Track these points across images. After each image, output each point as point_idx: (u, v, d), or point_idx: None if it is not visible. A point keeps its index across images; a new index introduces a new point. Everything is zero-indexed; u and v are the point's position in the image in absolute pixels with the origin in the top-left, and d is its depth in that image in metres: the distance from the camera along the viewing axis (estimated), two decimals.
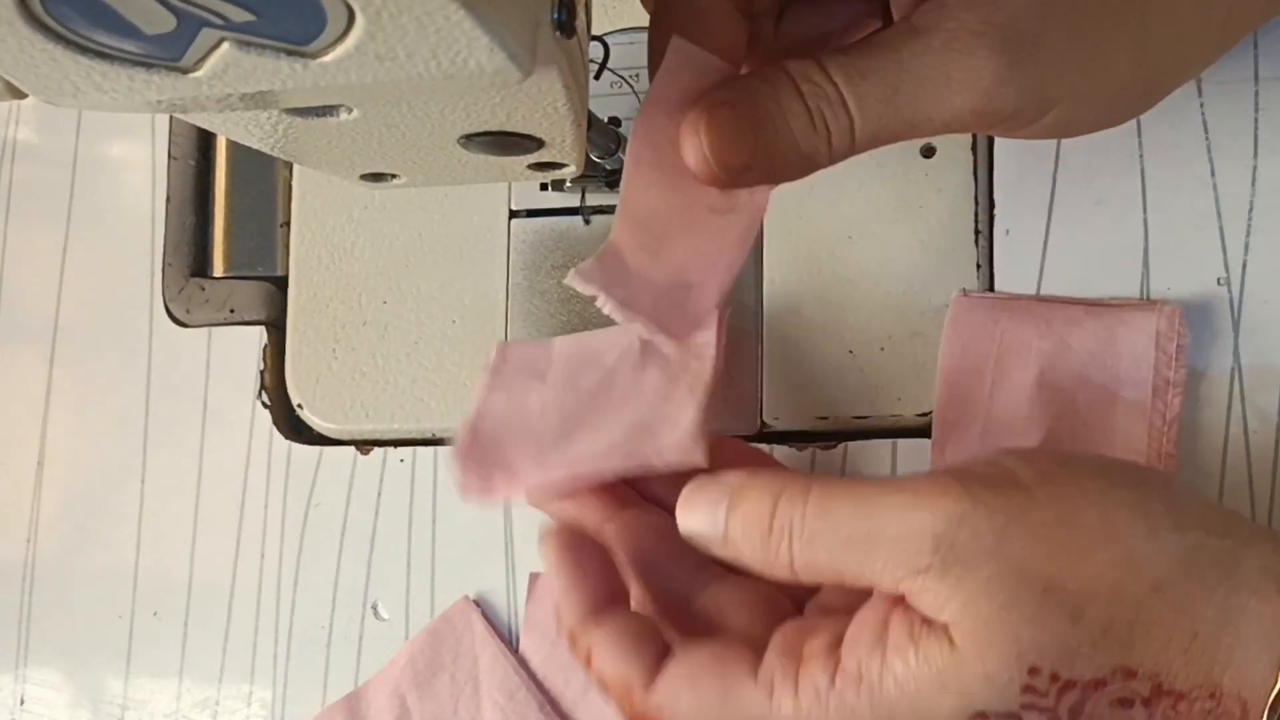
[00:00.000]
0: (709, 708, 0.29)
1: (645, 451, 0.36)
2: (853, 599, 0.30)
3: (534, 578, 0.45)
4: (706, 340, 0.39)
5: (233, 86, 0.23)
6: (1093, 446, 0.39)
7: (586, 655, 0.31)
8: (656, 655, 0.30)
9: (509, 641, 0.45)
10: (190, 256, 0.52)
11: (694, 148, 0.31)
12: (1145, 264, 0.42)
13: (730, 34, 0.32)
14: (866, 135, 0.30)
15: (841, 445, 0.44)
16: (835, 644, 0.29)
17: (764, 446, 0.45)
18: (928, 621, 0.27)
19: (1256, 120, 0.42)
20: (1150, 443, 0.40)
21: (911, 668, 0.27)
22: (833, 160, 0.31)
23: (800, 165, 0.31)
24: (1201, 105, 0.42)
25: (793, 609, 0.33)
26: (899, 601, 0.28)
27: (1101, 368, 0.40)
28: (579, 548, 0.32)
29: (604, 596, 0.31)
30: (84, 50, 0.21)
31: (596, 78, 0.40)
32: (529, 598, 0.45)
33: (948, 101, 0.29)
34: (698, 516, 0.31)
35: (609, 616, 0.31)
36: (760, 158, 0.30)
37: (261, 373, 0.50)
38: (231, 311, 0.51)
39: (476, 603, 0.46)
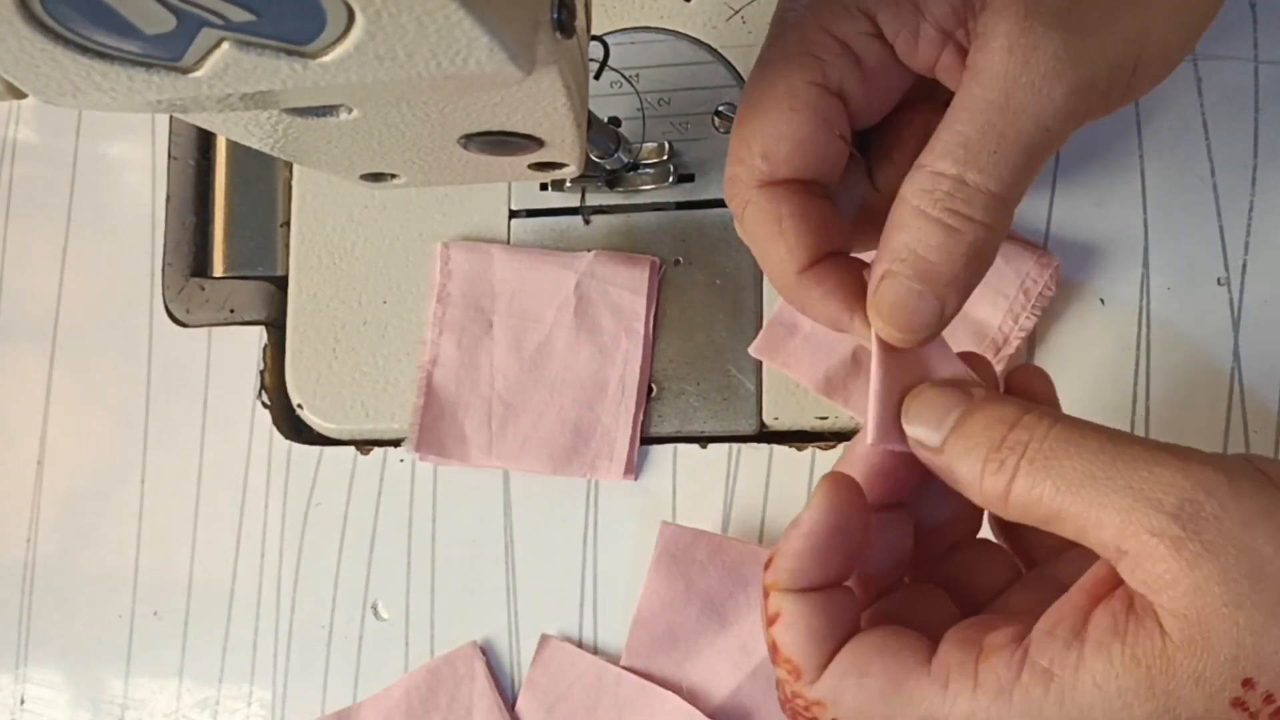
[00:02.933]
0: (876, 701, 0.27)
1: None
2: (1045, 601, 0.28)
3: (544, 640, 0.45)
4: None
5: (233, 86, 0.23)
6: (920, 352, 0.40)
7: (774, 615, 0.28)
8: (839, 645, 0.28)
9: (506, 691, 0.45)
10: (190, 256, 0.52)
11: (885, 333, 0.30)
12: (1145, 264, 0.42)
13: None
14: (1004, 187, 0.29)
15: (841, 445, 0.44)
16: (1021, 636, 0.26)
17: (764, 446, 0.45)
18: (1135, 612, 0.25)
19: (1256, 121, 0.42)
20: (974, 366, 0.41)
21: (1115, 666, 0.25)
22: (1002, 228, 0.29)
23: (977, 262, 0.29)
24: (1201, 105, 0.42)
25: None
26: (1102, 594, 0.26)
27: None
28: (848, 514, 0.29)
29: (832, 573, 0.29)
30: (84, 50, 0.21)
31: (596, 78, 0.40)
32: (536, 658, 0.45)
33: (1049, 99, 0.28)
34: (924, 416, 0.29)
35: (814, 594, 0.28)
36: (943, 295, 0.29)
37: (261, 373, 0.50)
38: (231, 311, 0.51)
39: (483, 649, 0.46)
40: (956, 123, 0.29)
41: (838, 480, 0.29)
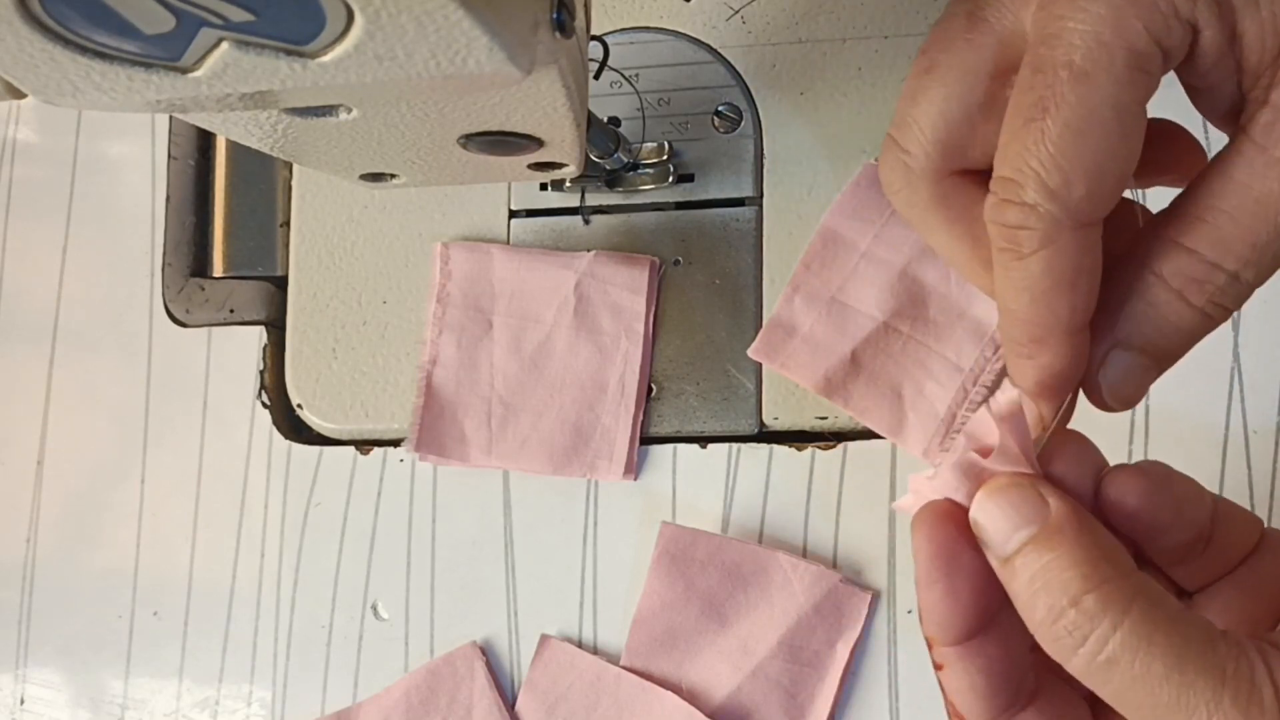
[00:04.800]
0: None
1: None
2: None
3: (544, 640, 0.45)
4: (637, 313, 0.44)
5: (232, 86, 0.23)
6: (922, 348, 0.38)
7: (939, 664, 0.27)
8: (1014, 702, 0.27)
9: (506, 691, 0.45)
10: (190, 256, 0.52)
11: (1098, 402, 0.28)
12: None
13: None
14: (1263, 283, 0.27)
15: (841, 445, 0.44)
16: None
17: (763, 446, 0.45)
18: None
19: None
20: (975, 365, 0.42)
21: None
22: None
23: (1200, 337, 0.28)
24: None
25: None
26: None
27: (962, 281, 0.42)
28: (957, 553, 0.27)
29: (977, 618, 0.27)
30: (83, 50, 0.21)
31: (596, 78, 0.40)
32: (536, 658, 0.45)
33: None
34: (993, 518, 0.26)
35: (977, 646, 0.27)
36: (1161, 373, 0.28)
37: (261, 373, 0.50)
38: (231, 311, 0.51)
39: (483, 649, 0.46)
40: (1241, 214, 0.26)
41: (924, 517, 0.27)
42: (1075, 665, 0.25)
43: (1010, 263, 0.27)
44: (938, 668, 0.27)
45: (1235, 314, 0.41)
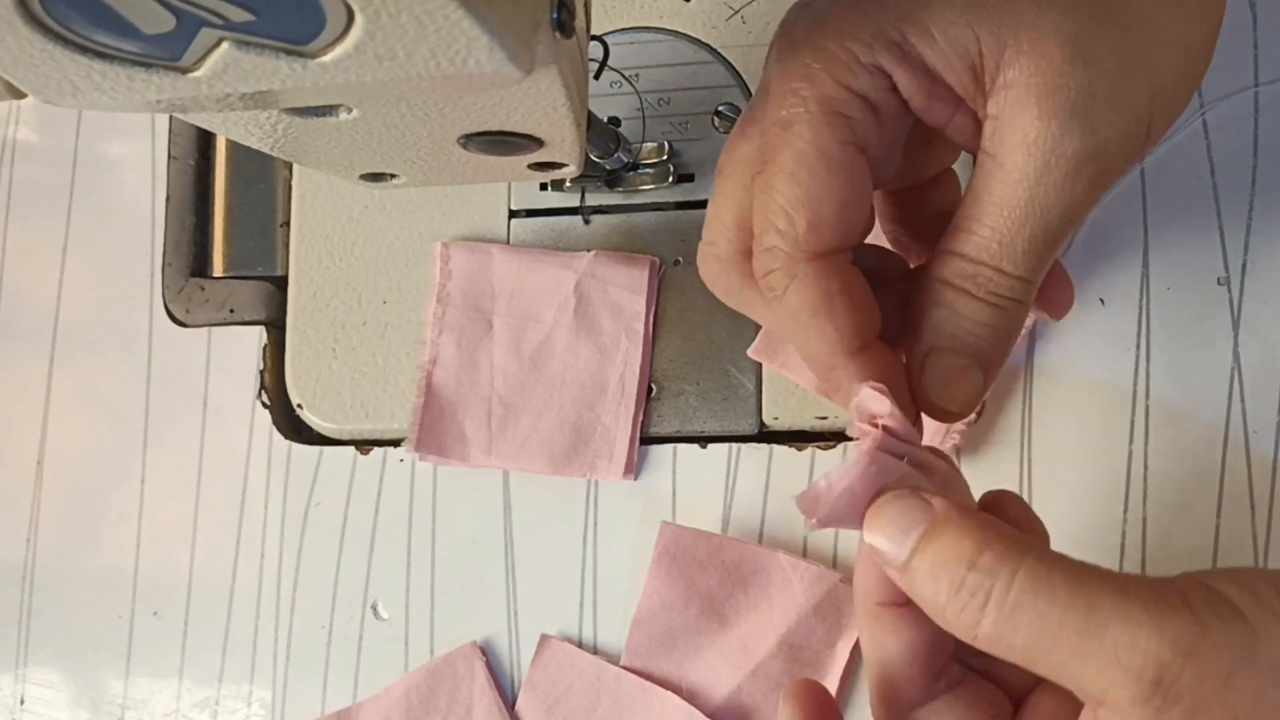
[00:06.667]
0: None
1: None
2: (1067, 704, 0.28)
3: (544, 640, 0.45)
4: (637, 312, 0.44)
5: (232, 86, 0.23)
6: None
7: None
8: None
9: (506, 691, 0.45)
10: (190, 256, 0.52)
11: (933, 411, 0.31)
12: (1145, 264, 0.42)
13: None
14: (1035, 273, 0.30)
15: (841, 445, 0.44)
16: None
17: (763, 446, 0.45)
18: None
19: (1256, 120, 0.42)
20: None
21: None
22: (1030, 303, 0.31)
23: (1013, 337, 0.31)
24: (1201, 106, 0.42)
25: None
26: None
27: None
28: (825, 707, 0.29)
29: None
30: (83, 50, 0.21)
31: (596, 78, 0.40)
32: (536, 658, 0.45)
33: (1073, 194, 0.29)
34: (885, 532, 0.27)
35: None
36: (987, 370, 0.30)
37: (261, 373, 0.50)
38: (231, 311, 0.51)
39: (483, 649, 0.46)
40: (986, 216, 0.29)
41: (799, 691, 0.29)
42: (985, 629, 0.26)
43: (776, 308, 0.30)
44: None
45: (1235, 314, 0.41)
